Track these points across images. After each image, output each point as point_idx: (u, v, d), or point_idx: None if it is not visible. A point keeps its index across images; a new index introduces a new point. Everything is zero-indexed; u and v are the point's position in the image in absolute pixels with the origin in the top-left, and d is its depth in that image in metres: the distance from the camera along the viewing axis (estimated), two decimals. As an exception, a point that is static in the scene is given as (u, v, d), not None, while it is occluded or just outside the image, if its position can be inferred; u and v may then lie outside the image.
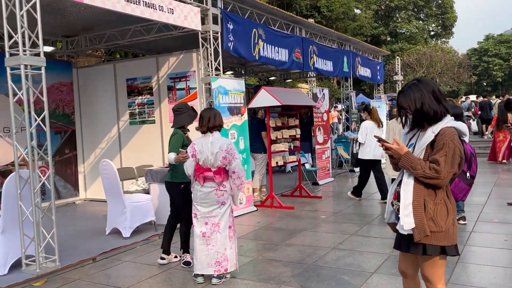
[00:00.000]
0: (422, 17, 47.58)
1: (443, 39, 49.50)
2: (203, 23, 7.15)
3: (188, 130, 4.68)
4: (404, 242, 2.76)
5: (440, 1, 46.40)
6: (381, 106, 12.69)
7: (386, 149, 2.80)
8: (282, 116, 8.24)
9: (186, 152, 4.19)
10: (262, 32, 8.32)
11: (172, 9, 6.26)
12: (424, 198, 2.64)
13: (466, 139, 3.67)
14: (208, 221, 4.20)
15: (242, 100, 7.55)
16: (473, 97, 23.52)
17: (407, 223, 2.65)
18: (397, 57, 37.55)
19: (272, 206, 7.78)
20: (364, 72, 13.16)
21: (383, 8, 46.63)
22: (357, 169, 10.36)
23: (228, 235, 4.26)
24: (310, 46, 10.08)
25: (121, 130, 8.57)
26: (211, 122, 4.12)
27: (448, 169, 2.56)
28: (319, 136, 10.21)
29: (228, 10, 7.55)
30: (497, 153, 11.17)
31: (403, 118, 2.83)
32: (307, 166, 9.55)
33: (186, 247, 4.79)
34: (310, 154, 10.88)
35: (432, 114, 2.67)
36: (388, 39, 45.75)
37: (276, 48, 8.81)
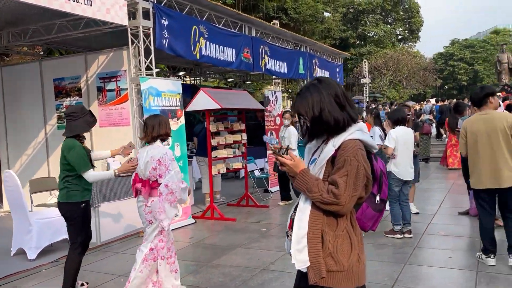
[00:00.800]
0: (389, 21, 48.09)
1: (410, 43, 50.17)
2: (133, 17, 6.51)
3: (85, 138, 4.00)
4: (303, 281, 2.22)
5: (407, 6, 47.00)
6: None
7: (281, 164, 2.25)
8: (225, 120, 7.67)
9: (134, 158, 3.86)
10: (205, 30, 7.72)
11: (90, 0, 5.58)
12: (322, 229, 2.09)
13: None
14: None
15: (179, 102, 6.92)
16: (433, 101, 23.63)
17: (299, 260, 2.10)
18: (365, 60, 37.75)
19: (212, 218, 7.16)
20: (322, 74, 12.74)
21: (351, 11, 46.90)
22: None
23: (144, 257, 3.70)
24: (261, 46, 9.55)
25: (48, 135, 7.78)
26: (155, 131, 3.75)
27: (350, 192, 2.02)
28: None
29: (162, 4, 6.92)
30: (448, 158, 10.92)
31: (303, 126, 2.29)
32: (257, 173, 8.99)
33: (73, 283, 4.06)
34: (266, 159, 10.34)
35: (333, 122, 2.13)
36: (357, 42, 46.01)
37: (221, 47, 8.23)
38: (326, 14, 41.52)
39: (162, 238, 3.75)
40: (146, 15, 6.55)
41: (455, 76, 58.28)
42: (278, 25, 17.88)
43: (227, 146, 7.66)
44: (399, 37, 49.54)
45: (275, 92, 9.97)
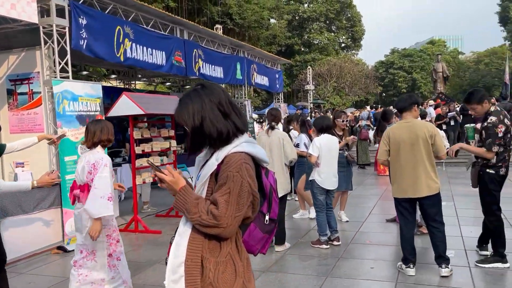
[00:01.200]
0: (333, 29, 49.40)
1: (353, 51, 51.83)
2: (47, 15, 5.99)
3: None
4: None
5: (349, 15, 48.50)
6: None
7: (161, 181, 1.98)
8: (152, 126, 7.27)
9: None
10: (130, 31, 7.30)
11: (-10, -7, 5.03)
12: (202, 255, 1.83)
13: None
14: (83, 249, 3.66)
15: (99, 107, 6.45)
16: (369, 107, 24.43)
17: (174, 293, 1.83)
18: (309, 67, 38.43)
19: (136, 231, 6.72)
20: (261, 80, 12.62)
21: (296, 19, 47.72)
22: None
23: (108, 264, 3.64)
24: (195, 50, 9.24)
25: (-49, 143, 6.99)
26: (96, 136, 3.68)
27: (233, 212, 1.78)
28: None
29: (81, 2, 6.44)
30: (379, 164, 11.15)
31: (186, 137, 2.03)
32: (189, 181, 8.60)
33: None
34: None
35: (216, 134, 1.88)
36: (302, 49, 46.84)
37: (150, 49, 7.83)
38: (272, 20, 41.96)
39: (116, 242, 3.73)
40: (61, 13, 6.05)
41: (395, 83, 60.83)
42: (221, 30, 17.69)
43: (161, 153, 7.31)
44: (343, 45, 51.06)
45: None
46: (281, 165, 5.26)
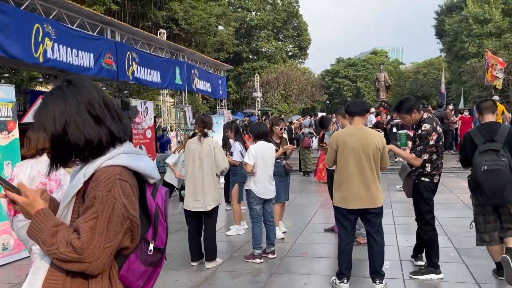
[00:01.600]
0: (281, 37, 49.96)
1: (300, 60, 52.69)
2: None
3: None
4: None
5: (296, 24, 49.26)
6: (219, 122, 11.85)
7: (13, 202, 1.56)
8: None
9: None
10: (51, 30, 6.67)
11: None
12: (61, 296, 1.44)
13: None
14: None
15: (11, 112, 5.79)
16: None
17: None
18: (256, 74, 38.51)
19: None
20: (202, 86, 12.22)
21: (244, 26, 47.80)
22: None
23: None
24: (128, 52, 8.70)
25: None
26: (40, 143, 3.45)
27: (101, 243, 1.39)
28: (140, 157, 8.83)
29: (-10, -5, 5.78)
30: (319, 172, 11.12)
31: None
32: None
33: None
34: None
35: (83, 143, 1.49)
36: (250, 57, 46.93)
37: (75, 51, 7.22)
38: (220, 27, 41.73)
39: None
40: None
41: (340, 92, 62.54)
42: (165, 35, 17.13)
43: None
44: (290, 53, 51.76)
45: (145, 102, 9.17)
46: (212, 175, 4.90)
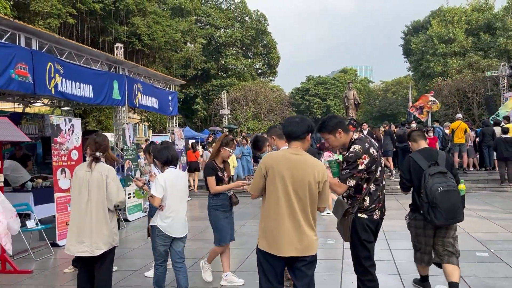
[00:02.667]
0: (250, 55, 49.64)
1: (269, 78, 52.43)
2: None
3: None
4: None
5: (265, 42, 49.09)
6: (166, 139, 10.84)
7: None
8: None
9: None
10: None
11: None
12: None
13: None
14: None
15: None
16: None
17: None
18: (224, 91, 37.76)
19: (4, 271, 5.70)
20: (148, 102, 11.20)
21: (213, 43, 47.27)
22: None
23: None
24: (50, 63, 7.64)
25: None
26: None
27: None
28: (62, 181, 7.72)
29: None
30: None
31: None
32: (30, 224, 6.86)
33: None
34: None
35: None
36: (219, 74, 46.29)
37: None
38: (189, 44, 40.96)
39: None
40: None
41: (311, 109, 62.56)
42: (122, 50, 16.09)
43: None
44: (259, 71, 51.44)
45: (70, 120, 8.10)
46: (103, 211, 3.90)
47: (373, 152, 3.38)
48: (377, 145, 3.57)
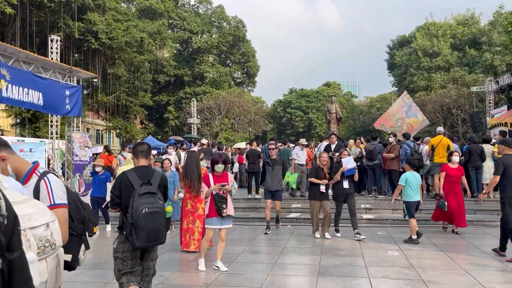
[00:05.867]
0: (229, 63, 47.25)
1: (249, 87, 49.99)
2: None
3: None
4: None
5: (243, 49, 46.75)
6: (35, 149, 8.04)
7: None
8: None
9: None
10: None
11: None
12: None
13: None
14: None
15: None
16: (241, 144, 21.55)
17: None
18: (193, 99, 35.11)
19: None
20: (21, 95, 8.15)
21: (189, 49, 44.76)
22: None
23: None
24: None
25: None
26: None
27: None
28: None
29: None
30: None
31: None
32: None
33: None
34: None
35: None
36: (194, 81, 43.72)
37: None
38: (162, 50, 38.35)
39: None
40: None
41: (292, 122, 60.30)
42: (58, 42, 13.39)
43: None
44: (238, 80, 49.02)
45: None
46: None
47: None
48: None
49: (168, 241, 4.78)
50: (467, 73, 32.50)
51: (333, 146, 11.64)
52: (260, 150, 12.09)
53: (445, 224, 8.73)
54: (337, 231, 8.21)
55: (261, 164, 12.09)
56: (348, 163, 7.94)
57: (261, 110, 44.52)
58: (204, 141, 13.80)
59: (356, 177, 8.18)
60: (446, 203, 8.14)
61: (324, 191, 7.93)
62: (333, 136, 12.52)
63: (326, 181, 7.97)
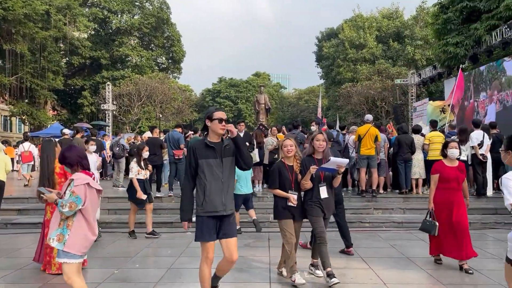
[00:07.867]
0: (152, 47, 44.22)
1: (175, 74, 47.33)
2: None
3: None
4: None
5: (168, 33, 43.99)
6: None
7: None
8: None
9: None
10: None
11: None
12: None
13: None
14: None
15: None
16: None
17: None
18: (108, 83, 31.99)
19: None
20: None
21: (106, 29, 41.16)
22: None
23: None
24: None
25: None
26: None
27: None
28: None
29: None
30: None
31: None
32: None
33: None
34: None
35: None
36: (112, 64, 40.27)
37: None
38: (73, 28, 34.47)
39: None
40: None
41: (221, 113, 58.62)
42: None
43: None
44: (162, 66, 46.19)
45: None
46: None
47: None
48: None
49: None
50: (391, 65, 32.83)
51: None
52: (163, 139, 10.20)
53: (438, 257, 5.51)
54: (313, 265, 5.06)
55: (165, 156, 10.23)
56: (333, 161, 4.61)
57: (189, 99, 42.28)
58: (66, 131, 11.73)
59: (336, 182, 4.90)
60: (437, 224, 5.23)
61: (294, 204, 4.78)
62: (242, 124, 10.75)
63: (295, 194, 4.79)
